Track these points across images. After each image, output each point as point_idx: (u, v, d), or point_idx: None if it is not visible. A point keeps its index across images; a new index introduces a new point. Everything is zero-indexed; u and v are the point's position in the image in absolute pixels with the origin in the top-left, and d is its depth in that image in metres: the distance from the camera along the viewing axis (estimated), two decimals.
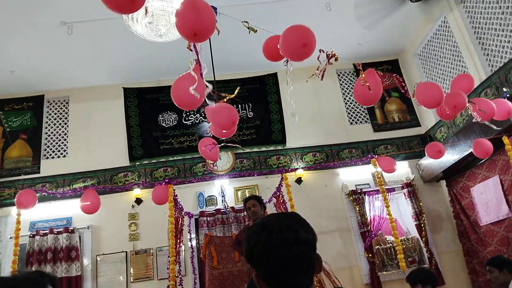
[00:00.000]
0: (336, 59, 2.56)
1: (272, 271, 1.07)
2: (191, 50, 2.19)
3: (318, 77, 2.79)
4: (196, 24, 2.07)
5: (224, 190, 6.63)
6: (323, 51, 2.61)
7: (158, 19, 3.15)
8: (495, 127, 4.29)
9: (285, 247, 1.05)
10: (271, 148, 7.18)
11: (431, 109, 4.30)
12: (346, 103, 7.69)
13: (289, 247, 1.05)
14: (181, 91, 2.45)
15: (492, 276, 3.78)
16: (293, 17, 6.47)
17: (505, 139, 4.78)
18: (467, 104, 3.59)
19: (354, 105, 7.71)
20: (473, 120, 4.05)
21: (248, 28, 2.43)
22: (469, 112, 3.97)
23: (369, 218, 6.52)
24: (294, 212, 1.20)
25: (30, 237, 6.13)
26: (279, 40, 2.62)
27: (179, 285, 5.44)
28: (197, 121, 7.27)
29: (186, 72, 2.35)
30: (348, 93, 7.79)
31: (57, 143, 7.16)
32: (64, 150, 7.10)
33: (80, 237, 6.35)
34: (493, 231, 5.75)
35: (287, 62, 2.61)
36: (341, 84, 7.82)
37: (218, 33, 2.34)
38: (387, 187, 6.45)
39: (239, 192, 6.79)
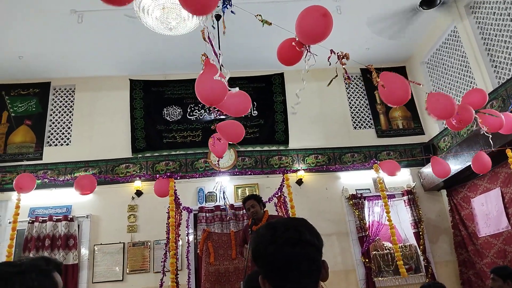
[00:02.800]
0: (347, 58, 2.56)
1: (275, 270, 1.07)
2: (207, 42, 2.20)
3: (346, 81, 2.81)
4: None
5: (225, 188, 6.62)
6: (334, 52, 2.60)
7: (169, 12, 3.15)
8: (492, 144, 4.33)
9: (289, 245, 1.06)
10: (274, 148, 7.19)
11: (441, 119, 4.30)
12: (351, 107, 7.68)
13: (292, 245, 1.06)
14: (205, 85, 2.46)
15: (495, 285, 3.80)
16: None
17: (509, 152, 4.76)
18: (475, 116, 3.59)
19: (358, 110, 7.70)
20: (481, 132, 4.04)
21: (262, 21, 2.43)
22: (478, 125, 3.96)
23: (367, 223, 6.52)
24: (302, 218, 1.20)
25: (29, 223, 6.16)
26: (290, 41, 2.61)
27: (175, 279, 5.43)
28: (201, 117, 7.28)
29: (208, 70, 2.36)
30: (354, 97, 7.79)
31: (61, 130, 7.18)
32: (68, 138, 7.12)
33: (78, 225, 6.37)
34: (491, 243, 5.74)
35: (308, 52, 2.59)
36: (347, 88, 7.82)
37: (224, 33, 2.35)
38: (387, 194, 6.44)
39: (239, 190, 6.80)
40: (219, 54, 2.29)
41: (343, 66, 2.61)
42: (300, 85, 7.53)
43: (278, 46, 2.88)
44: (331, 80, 2.90)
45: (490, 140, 4.09)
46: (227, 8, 2.24)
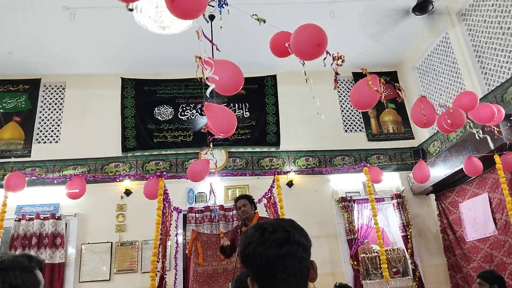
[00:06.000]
0: (343, 61, 2.57)
1: (264, 271, 1.07)
2: (201, 40, 2.20)
3: (335, 86, 2.81)
4: None
5: (214, 189, 6.59)
6: (330, 54, 2.62)
7: (162, 11, 3.14)
8: (504, 138, 4.35)
9: (277, 246, 1.05)
10: (265, 149, 7.19)
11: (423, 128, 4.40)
12: (342, 110, 7.72)
13: (281, 246, 1.05)
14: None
15: None
16: (297, 21, 6.50)
17: (497, 158, 4.82)
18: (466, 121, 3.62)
19: (350, 113, 7.74)
20: (476, 136, 4.08)
21: (258, 20, 2.44)
22: (468, 129, 3.99)
23: (356, 226, 6.55)
24: (290, 218, 1.20)
25: (15, 220, 6.08)
26: (287, 36, 2.62)
27: (162, 279, 5.39)
28: (192, 117, 7.26)
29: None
30: (345, 101, 7.82)
31: (50, 128, 7.11)
32: (57, 136, 7.05)
33: (66, 224, 6.30)
34: (478, 248, 5.80)
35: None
36: (338, 91, 7.85)
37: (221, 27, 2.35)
38: (376, 197, 6.48)
39: (230, 191, 6.79)
40: (215, 46, 2.29)
41: (335, 69, 2.62)
42: (292, 88, 7.55)
43: (271, 37, 2.88)
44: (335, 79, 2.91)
45: (489, 140, 4.12)
46: (223, 8, 2.24)
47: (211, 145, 3.99)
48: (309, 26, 2.54)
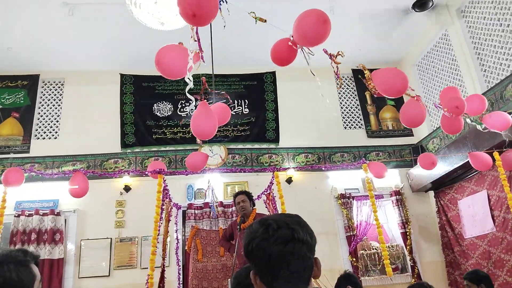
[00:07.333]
0: (342, 56, 2.57)
1: (267, 267, 1.07)
2: (195, 41, 2.19)
3: (338, 83, 2.81)
4: (196, 5, 2.06)
5: (212, 185, 6.60)
6: (327, 52, 2.61)
7: (161, 6, 3.12)
8: (504, 135, 4.35)
9: (281, 243, 1.05)
10: (264, 146, 7.19)
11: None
12: (342, 107, 7.71)
13: (284, 243, 1.05)
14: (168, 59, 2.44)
15: None
16: (296, 17, 6.47)
17: (496, 155, 4.82)
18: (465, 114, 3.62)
19: (349, 110, 7.74)
20: (478, 127, 4.07)
21: (256, 18, 2.43)
22: (471, 120, 3.98)
23: (355, 222, 6.56)
24: (296, 214, 1.19)
25: (15, 216, 6.08)
26: (285, 40, 2.61)
27: (162, 275, 5.40)
28: (192, 113, 7.24)
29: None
30: (345, 97, 7.82)
31: (49, 124, 7.09)
32: (56, 132, 7.04)
33: (65, 220, 6.31)
34: (476, 245, 5.82)
35: (306, 51, 2.60)
36: (338, 88, 7.83)
37: (224, 26, 2.34)
38: (375, 194, 6.48)
39: (229, 188, 6.79)
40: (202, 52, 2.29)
41: (336, 65, 2.61)
42: (292, 84, 7.55)
43: (272, 47, 2.87)
44: (340, 83, 2.91)
45: (503, 134, 4.10)
46: (221, 3, 2.23)
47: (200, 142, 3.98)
48: (309, 10, 2.55)
